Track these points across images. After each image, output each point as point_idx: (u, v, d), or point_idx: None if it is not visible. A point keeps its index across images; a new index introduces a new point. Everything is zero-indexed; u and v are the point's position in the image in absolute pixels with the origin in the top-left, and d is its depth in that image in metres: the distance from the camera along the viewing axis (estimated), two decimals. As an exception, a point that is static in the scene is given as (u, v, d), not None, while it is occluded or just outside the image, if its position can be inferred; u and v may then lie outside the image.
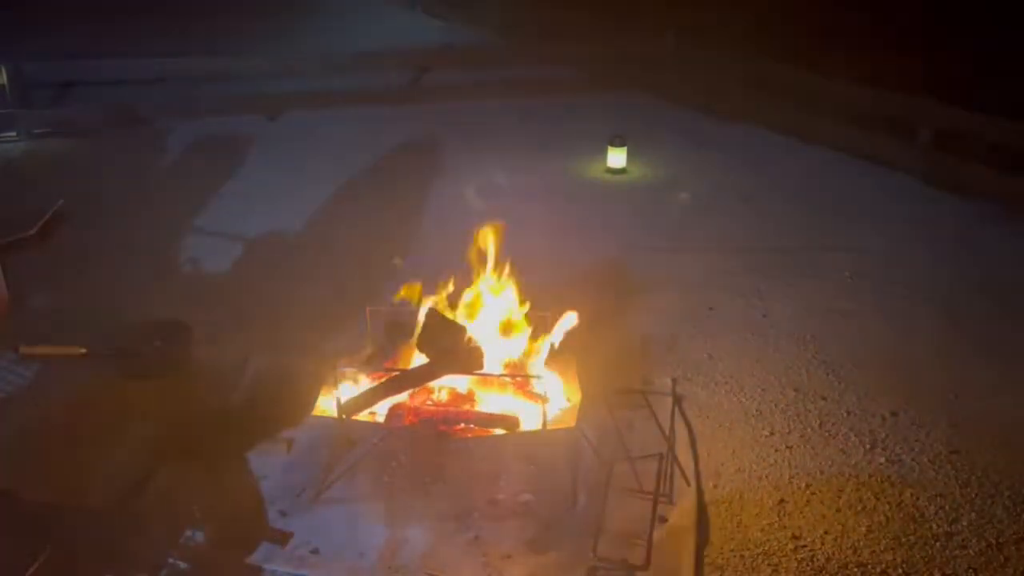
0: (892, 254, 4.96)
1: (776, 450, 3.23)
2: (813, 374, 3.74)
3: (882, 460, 3.17)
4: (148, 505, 2.76)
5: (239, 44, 10.01)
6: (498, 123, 7.60)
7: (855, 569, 2.67)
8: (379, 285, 4.42)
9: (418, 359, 3.28)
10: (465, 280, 3.51)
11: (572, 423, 3.15)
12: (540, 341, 3.40)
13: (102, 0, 11.83)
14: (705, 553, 2.72)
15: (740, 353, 3.90)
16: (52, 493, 2.86)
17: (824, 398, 3.57)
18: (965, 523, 2.86)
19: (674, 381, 3.53)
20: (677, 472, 2.99)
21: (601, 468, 2.96)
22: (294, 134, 7.28)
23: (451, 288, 3.46)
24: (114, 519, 2.72)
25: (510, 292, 3.45)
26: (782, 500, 2.96)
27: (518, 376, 3.33)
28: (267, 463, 3.03)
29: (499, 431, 3.12)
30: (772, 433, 3.34)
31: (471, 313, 3.42)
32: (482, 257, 3.46)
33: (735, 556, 2.71)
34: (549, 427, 3.09)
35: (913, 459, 3.18)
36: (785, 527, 2.84)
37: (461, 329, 3.21)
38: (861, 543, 2.77)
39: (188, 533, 2.63)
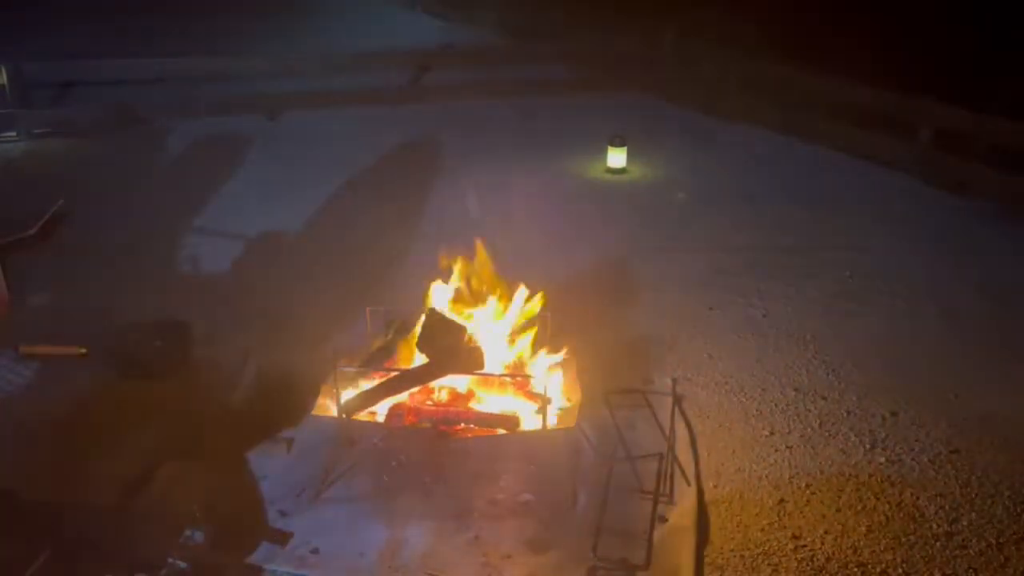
0: (892, 254, 4.96)
1: (776, 450, 3.23)
2: (813, 374, 3.75)
3: (882, 460, 3.17)
4: (148, 505, 2.75)
5: (239, 44, 10.00)
6: (498, 123, 7.60)
7: (855, 569, 2.67)
8: (379, 285, 4.43)
9: (418, 359, 3.29)
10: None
11: (572, 423, 3.15)
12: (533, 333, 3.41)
13: (102, 0, 11.83)
14: (705, 553, 2.72)
15: (740, 353, 3.90)
16: (52, 493, 2.86)
17: (824, 398, 3.57)
18: (965, 523, 2.86)
19: (674, 381, 3.50)
20: (677, 472, 2.98)
21: (601, 468, 2.96)
22: (294, 134, 7.27)
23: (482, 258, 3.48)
24: (114, 519, 2.72)
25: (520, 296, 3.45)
26: (782, 500, 2.96)
27: (518, 376, 3.33)
28: (267, 463, 3.03)
29: (499, 431, 3.12)
30: (772, 433, 3.34)
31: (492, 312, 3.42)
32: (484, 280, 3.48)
33: (735, 556, 2.71)
34: (549, 427, 3.09)
35: (913, 459, 3.18)
36: (785, 527, 2.84)
37: (461, 329, 3.21)
38: (861, 543, 2.77)
39: (188, 533, 2.62)
